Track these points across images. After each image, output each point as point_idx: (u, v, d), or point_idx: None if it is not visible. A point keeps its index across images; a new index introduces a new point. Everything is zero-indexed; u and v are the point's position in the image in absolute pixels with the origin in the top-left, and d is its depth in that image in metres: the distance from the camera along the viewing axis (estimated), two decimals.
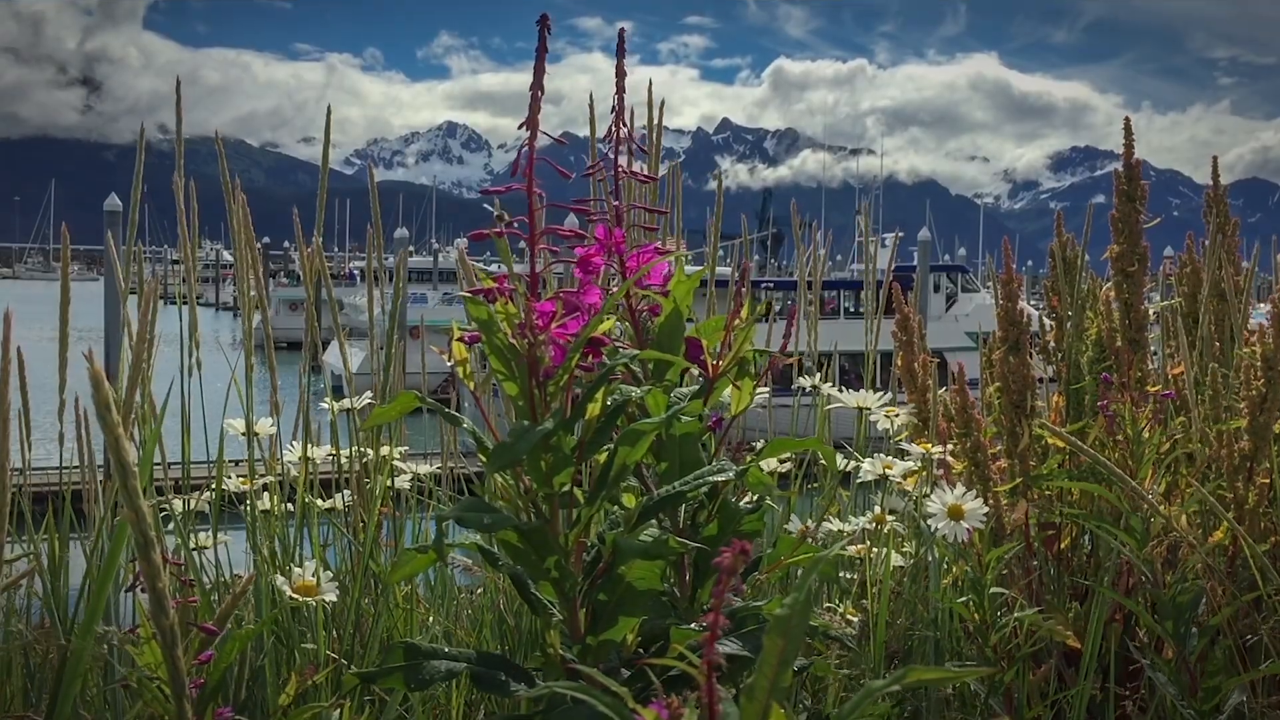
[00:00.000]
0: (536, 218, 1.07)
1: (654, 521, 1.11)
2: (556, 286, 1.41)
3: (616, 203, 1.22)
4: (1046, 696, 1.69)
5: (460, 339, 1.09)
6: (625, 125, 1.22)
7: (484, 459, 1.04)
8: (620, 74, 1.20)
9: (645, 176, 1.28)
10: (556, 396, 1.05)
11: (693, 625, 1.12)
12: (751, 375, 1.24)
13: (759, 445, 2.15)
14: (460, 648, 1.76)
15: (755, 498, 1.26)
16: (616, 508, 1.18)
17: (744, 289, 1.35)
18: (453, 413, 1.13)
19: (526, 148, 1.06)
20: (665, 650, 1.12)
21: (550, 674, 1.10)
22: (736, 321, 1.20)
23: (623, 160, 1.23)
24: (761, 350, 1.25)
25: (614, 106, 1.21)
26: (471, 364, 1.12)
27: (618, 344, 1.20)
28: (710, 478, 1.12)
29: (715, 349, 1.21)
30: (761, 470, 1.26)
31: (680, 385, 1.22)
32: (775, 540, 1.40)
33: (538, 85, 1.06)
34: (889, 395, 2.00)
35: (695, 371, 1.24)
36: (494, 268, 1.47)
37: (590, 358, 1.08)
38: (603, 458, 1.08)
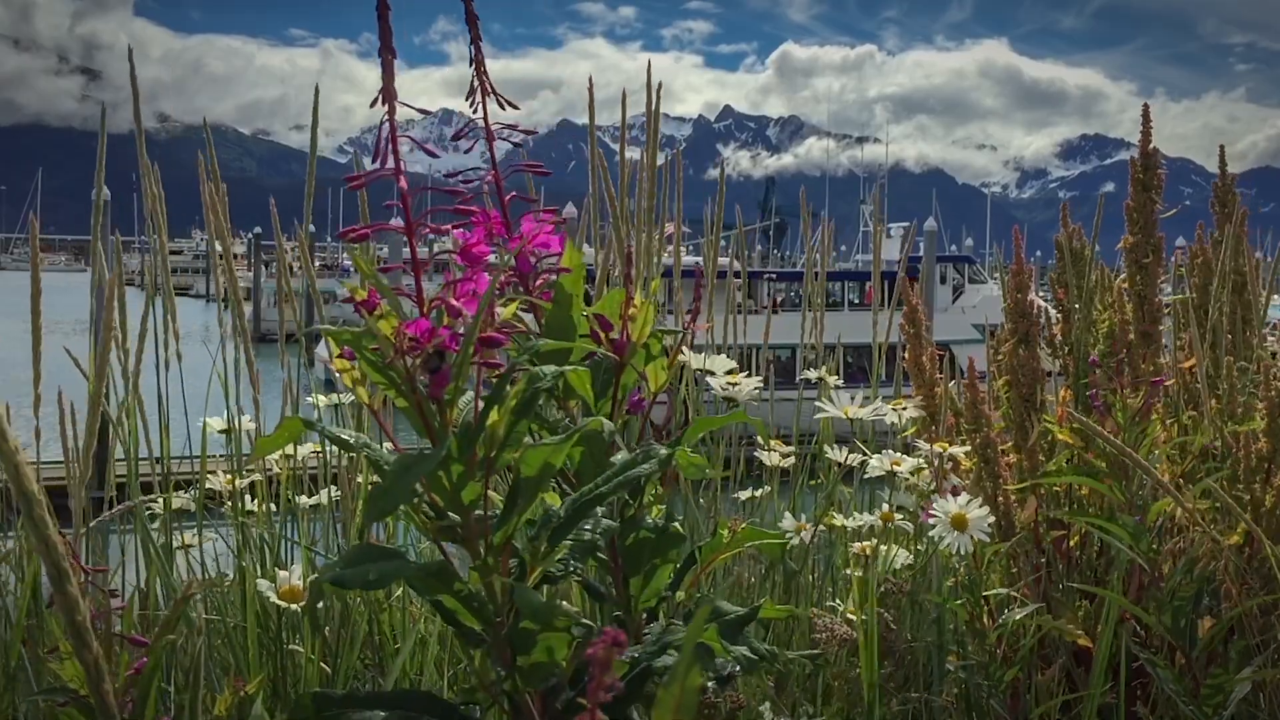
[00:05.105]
0: (411, 205, 0.93)
1: (577, 534, 1.02)
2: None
3: (491, 172, 1.05)
4: (1055, 696, 1.65)
5: (339, 355, 0.96)
6: (488, 78, 1.03)
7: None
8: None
9: (525, 130, 1.05)
10: (456, 402, 0.95)
11: (624, 657, 1.04)
12: (659, 356, 1.14)
13: (759, 439, 2.09)
14: (456, 650, 1.72)
15: (659, 518, 1.15)
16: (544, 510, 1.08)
17: (634, 274, 1.24)
18: (341, 436, 1.00)
19: (387, 125, 0.91)
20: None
21: (480, 705, 1.03)
22: (631, 309, 1.10)
23: (494, 113, 1.03)
24: (666, 330, 1.15)
25: (471, 58, 1.02)
26: (358, 374, 0.98)
27: (529, 331, 1.10)
28: (633, 470, 1.02)
29: (618, 330, 1.11)
30: (689, 453, 1.15)
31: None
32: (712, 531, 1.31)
33: (388, 49, 0.91)
34: (878, 403, 1.94)
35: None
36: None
37: (493, 351, 0.95)
38: (515, 456, 0.97)
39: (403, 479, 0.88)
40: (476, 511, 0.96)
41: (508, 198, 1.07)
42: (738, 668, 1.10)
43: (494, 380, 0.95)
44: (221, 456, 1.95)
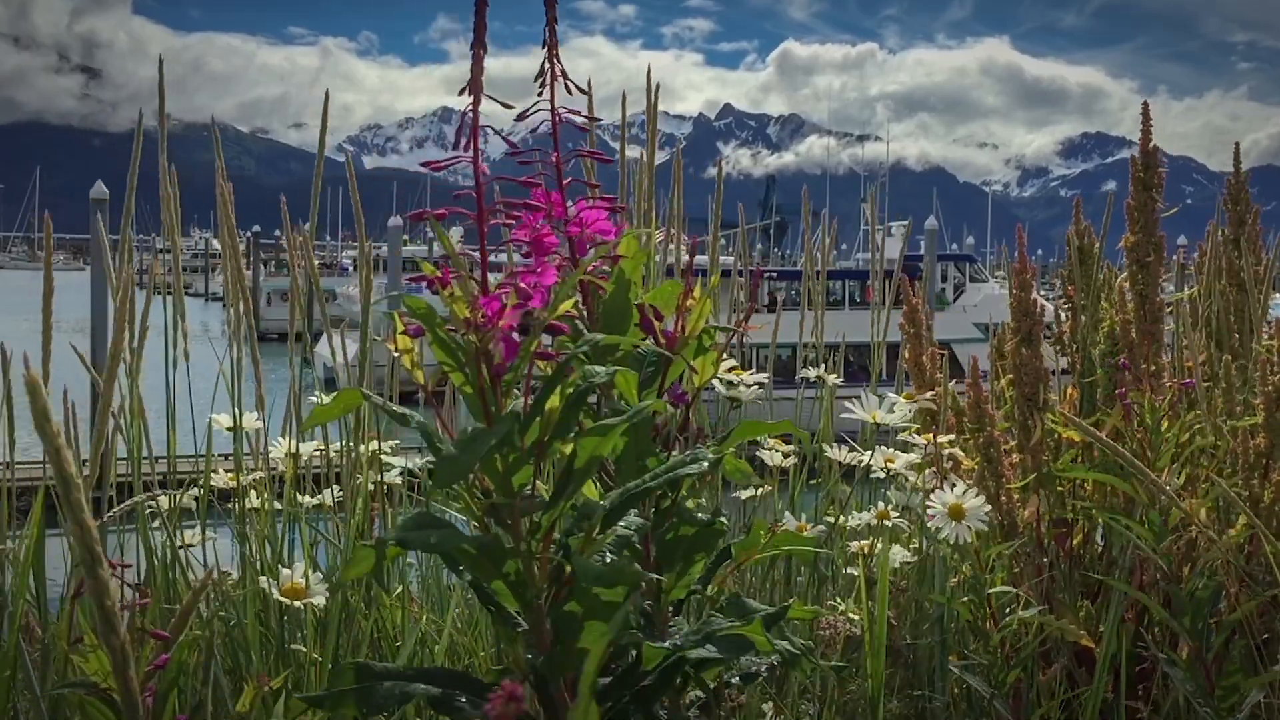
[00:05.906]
0: (485, 192, 0.96)
1: (615, 528, 1.03)
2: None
3: (554, 153, 1.08)
4: (1056, 697, 1.65)
5: (404, 332, 1.00)
6: (560, 62, 1.06)
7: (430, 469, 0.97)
8: None
9: (586, 116, 1.10)
10: (512, 390, 0.97)
11: (665, 644, 1.05)
12: (708, 350, 1.16)
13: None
14: (461, 648, 1.72)
15: (711, 511, 1.17)
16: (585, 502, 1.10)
17: (692, 271, 1.26)
18: (400, 410, 1.02)
19: (470, 114, 0.95)
20: (638, 662, 1.06)
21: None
22: (690, 301, 1.11)
23: (561, 105, 1.06)
24: (717, 326, 1.16)
25: (544, 41, 1.06)
26: (418, 355, 1.02)
27: (579, 321, 1.11)
28: (682, 470, 1.03)
29: (670, 322, 1.13)
30: (735, 458, 1.17)
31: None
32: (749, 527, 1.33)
33: (480, 43, 0.94)
34: (907, 412, 1.93)
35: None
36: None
37: (552, 338, 0.99)
38: (566, 449, 1.00)
39: (470, 449, 0.90)
40: (524, 496, 0.98)
41: (567, 181, 1.10)
42: (763, 666, 1.11)
43: (546, 371, 0.98)
44: (225, 456, 1.95)
